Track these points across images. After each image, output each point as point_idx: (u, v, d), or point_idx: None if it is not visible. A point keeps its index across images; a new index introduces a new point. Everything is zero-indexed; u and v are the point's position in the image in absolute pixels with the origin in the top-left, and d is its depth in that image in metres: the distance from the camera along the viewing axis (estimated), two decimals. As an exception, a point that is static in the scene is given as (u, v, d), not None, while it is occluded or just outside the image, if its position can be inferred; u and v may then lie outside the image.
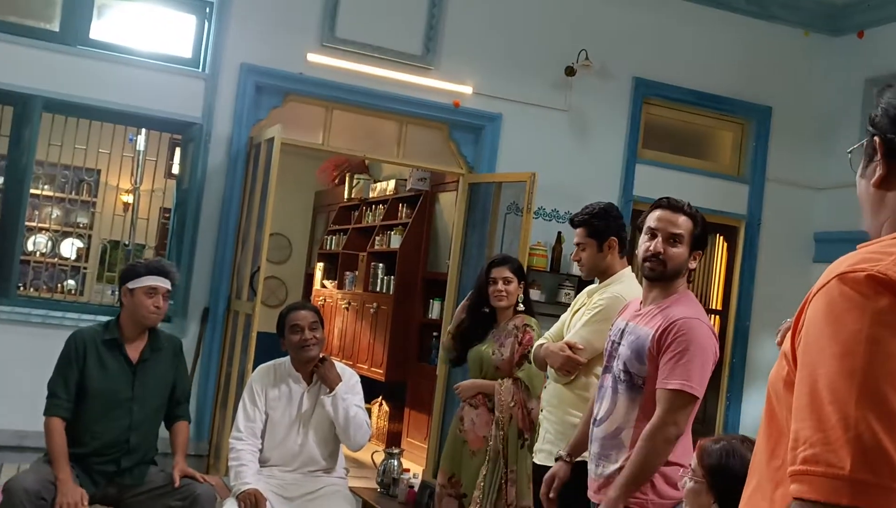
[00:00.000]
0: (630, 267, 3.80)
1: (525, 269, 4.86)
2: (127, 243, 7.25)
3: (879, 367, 1.18)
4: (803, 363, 1.26)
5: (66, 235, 8.51)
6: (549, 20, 6.77)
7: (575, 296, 4.23)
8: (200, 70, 6.06)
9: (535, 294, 5.99)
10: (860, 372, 1.19)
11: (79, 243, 8.79)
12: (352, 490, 4.47)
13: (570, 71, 6.71)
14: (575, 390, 3.61)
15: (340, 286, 9.60)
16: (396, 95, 6.38)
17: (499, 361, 4.27)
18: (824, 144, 7.47)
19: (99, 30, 5.93)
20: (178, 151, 7.05)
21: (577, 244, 3.76)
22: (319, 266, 10.38)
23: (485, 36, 6.62)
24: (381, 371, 8.24)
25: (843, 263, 1.28)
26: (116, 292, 4.08)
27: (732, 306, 7.37)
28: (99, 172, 7.91)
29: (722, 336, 7.39)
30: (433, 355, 7.63)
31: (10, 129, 5.78)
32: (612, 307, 3.48)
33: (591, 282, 4.11)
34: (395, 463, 5.17)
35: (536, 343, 3.91)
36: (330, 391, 4.05)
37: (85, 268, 9.00)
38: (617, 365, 3.04)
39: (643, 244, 3.04)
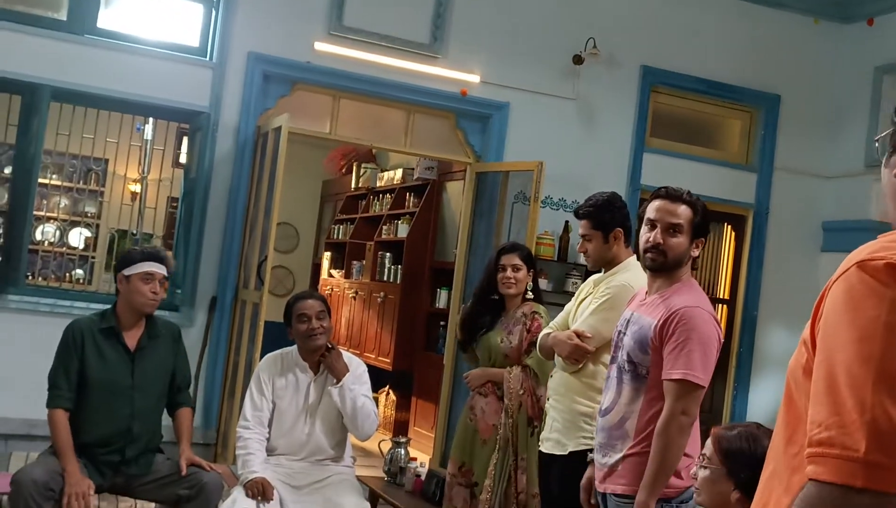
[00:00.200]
0: (635, 256, 3.80)
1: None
2: (135, 232, 7.26)
3: None
4: (821, 348, 1.28)
5: (74, 224, 8.52)
6: (557, 8, 6.75)
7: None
8: (208, 59, 6.06)
9: (542, 283, 5.98)
10: (877, 357, 1.21)
11: (87, 233, 8.80)
12: (359, 478, 4.47)
13: (577, 59, 6.69)
14: (582, 378, 3.61)
15: (348, 276, 9.61)
16: (404, 83, 6.37)
17: (507, 348, 4.27)
18: (833, 133, 7.44)
19: (106, 19, 5.94)
20: (185, 140, 7.06)
21: (583, 236, 3.75)
22: (327, 256, 10.39)
23: (492, 24, 6.60)
24: (389, 360, 8.25)
25: (862, 251, 1.30)
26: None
27: (740, 296, 7.36)
28: (107, 161, 7.92)
29: (729, 326, 7.38)
30: (440, 344, 7.63)
31: (18, 118, 5.79)
32: (620, 296, 3.48)
33: (596, 271, 4.10)
34: (402, 452, 5.18)
35: (542, 332, 3.90)
36: (337, 382, 4.05)
37: (93, 257, 9.02)
38: (621, 355, 3.04)
39: (643, 236, 3.04)
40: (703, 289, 7.18)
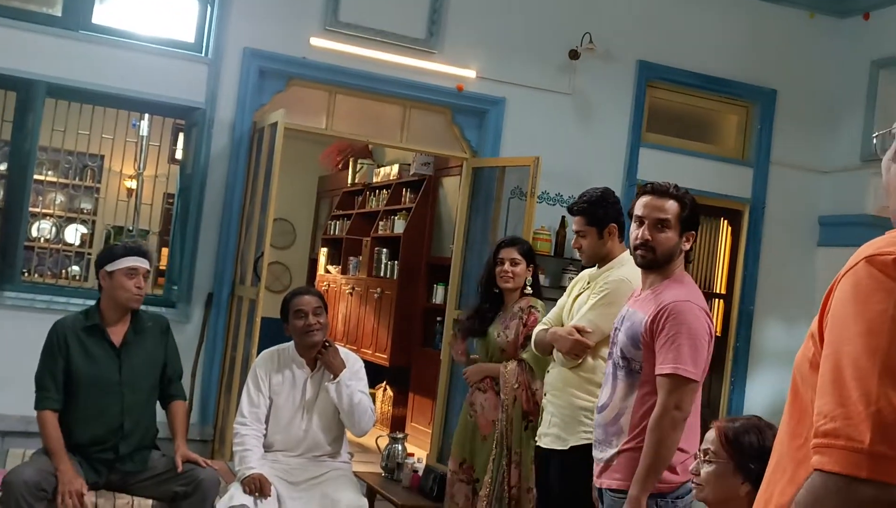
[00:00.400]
0: (629, 251, 3.80)
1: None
2: (131, 228, 7.24)
3: None
4: (829, 341, 1.31)
5: (70, 220, 8.51)
6: (553, 3, 6.74)
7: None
8: (203, 55, 6.05)
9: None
10: (884, 351, 1.24)
11: (83, 229, 8.79)
12: (356, 474, 4.47)
13: (573, 54, 6.69)
14: (581, 373, 3.61)
15: (344, 271, 9.61)
16: (400, 79, 6.36)
17: (504, 343, 4.27)
18: (829, 127, 7.44)
19: (101, 14, 5.92)
20: (181, 136, 7.04)
21: (577, 232, 3.75)
22: (323, 251, 10.39)
23: (488, 20, 6.59)
24: (385, 356, 8.26)
25: (871, 246, 1.33)
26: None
27: (736, 291, 7.36)
28: (102, 157, 7.90)
29: (726, 320, 7.38)
30: (437, 339, 7.64)
31: (13, 114, 5.78)
32: (618, 291, 3.49)
33: (590, 267, 4.10)
34: (400, 448, 5.19)
35: (537, 328, 3.90)
36: (334, 378, 4.05)
37: (89, 254, 8.99)
38: (616, 351, 3.05)
39: (632, 233, 3.05)
40: (700, 284, 7.22)
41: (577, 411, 3.56)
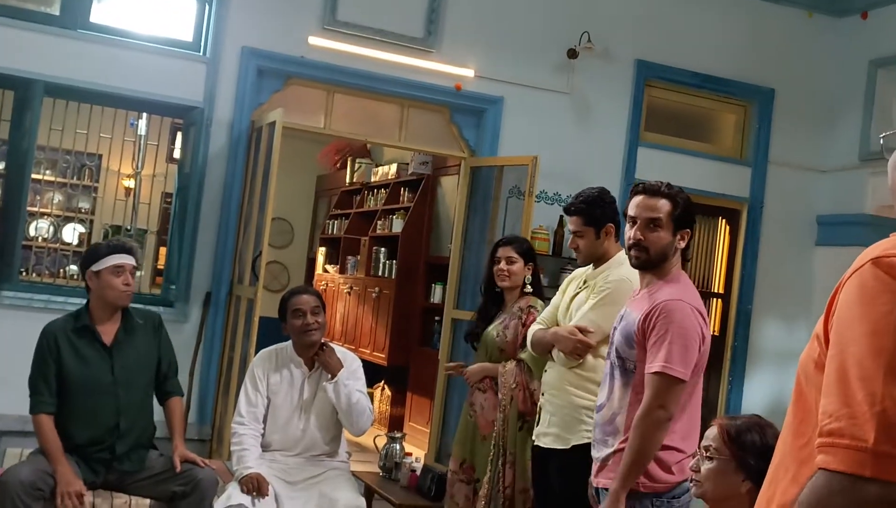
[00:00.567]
0: (624, 250, 3.81)
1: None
2: (129, 227, 7.24)
3: None
4: (834, 341, 1.32)
5: (67, 220, 8.51)
6: (551, 3, 6.74)
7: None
8: (201, 54, 6.04)
9: (537, 278, 5.99)
10: (889, 351, 1.25)
11: (81, 228, 8.78)
12: (354, 474, 4.47)
13: (572, 53, 6.69)
14: (581, 372, 3.62)
15: (342, 271, 9.61)
16: (398, 78, 6.36)
17: (503, 343, 4.27)
18: (827, 127, 7.45)
19: (99, 13, 5.91)
20: (179, 135, 7.04)
21: (575, 233, 3.75)
22: (321, 251, 10.39)
23: (486, 18, 6.59)
24: (384, 356, 8.26)
25: (877, 248, 1.34)
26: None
27: (734, 290, 7.37)
28: (100, 156, 7.90)
29: (724, 319, 7.39)
30: (435, 339, 7.64)
31: (11, 113, 5.77)
32: (619, 290, 3.49)
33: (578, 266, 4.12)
34: (398, 447, 5.18)
35: (533, 328, 3.89)
36: (332, 378, 4.04)
37: (87, 253, 9.00)
38: (613, 351, 3.06)
39: (626, 233, 3.05)
40: (697, 283, 7.21)
41: (578, 410, 3.56)
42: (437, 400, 6.57)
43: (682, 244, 3.02)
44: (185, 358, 5.80)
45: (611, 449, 2.98)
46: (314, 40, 6.17)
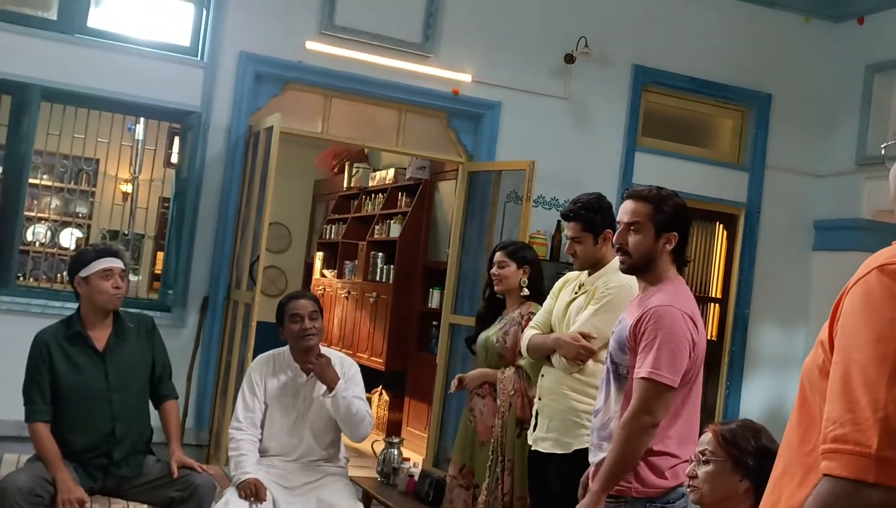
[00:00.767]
0: None
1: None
2: (126, 232, 7.23)
3: None
4: (839, 348, 1.33)
5: (65, 224, 8.50)
6: (549, 7, 6.75)
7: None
8: (199, 59, 6.04)
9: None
10: (892, 358, 1.26)
11: (78, 233, 8.77)
12: (352, 479, 4.46)
13: (569, 58, 6.70)
14: (581, 377, 3.62)
15: (340, 276, 9.60)
16: (395, 83, 6.37)
17: (502, 349, 4.26)
18: (824, 132, 7.46)
19: (97, 18, 5.91)
20: (176, 140, 7.04)
21: (573, 238, 3.74)
22: (319, 255, 10.38)
23: (484, 24, 6.60)
24: (381, 361, 8.25)
25: (881, 255, 1.35)
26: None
27: (732, 294, 7.37)
28: (98, 161, 7.90)
29: (721, 324, 7.39)
30: (433, 344, 7.63)
31: (8, 118, 5.77)
32: (620, 296, 3.48)
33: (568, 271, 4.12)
34: (396, 453, 5.17)
35: (529, 333, 3.87)
36: (330, 391, 4.01)
37: (84, 258, 8.98)
38: (608, 357, 3.06)
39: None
40: (695, 287, 7.21)
41: (578, 414, 3.56)
42: (435, 405, 6.56)
43: (669, 248, 2.98)
44: (182, 363, 5.80)
45: (604, 454, 2.98)
46: (312, 45, 6.17)
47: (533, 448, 3.78)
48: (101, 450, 3.83)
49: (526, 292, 4.30)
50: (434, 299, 7.88)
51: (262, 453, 4.10)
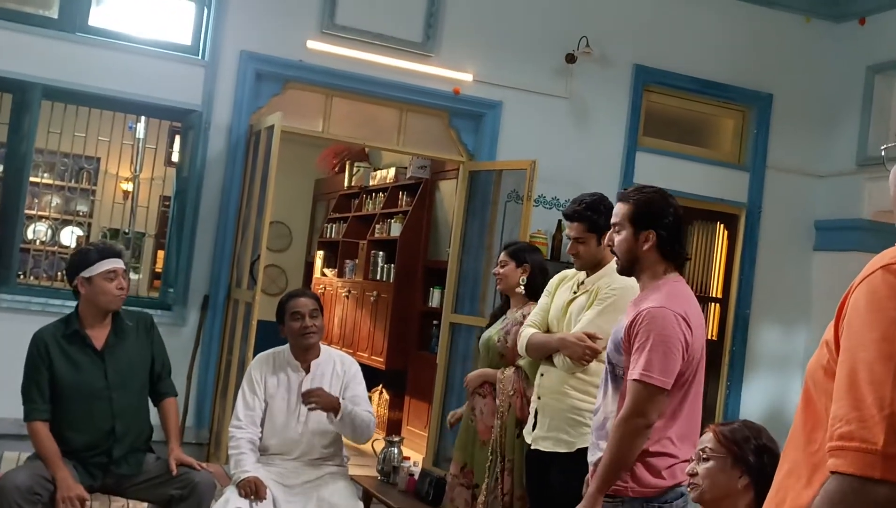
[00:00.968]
0: None
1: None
2: (127, 230, 7.24)
3: None
4: (844, 347, 1.35)
5: (65, 223, 8.51)
6: (550, 7, 6.75)
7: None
8: (200, 57, 6.04)
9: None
10: None
11: (79, 232, 8.78)
12: (352, 477, 4.47)
13: (570, 58, 6.70)
14: (583, 376, 3.62)
15: (340, 275, 9.60)
16: (396, 82, 6.37)
17: (503, 348, 4.26)
18: (825, 132, 7.46)
19: (98, 17, 5.91)
20: (177, 138, 7.04)
21: (577, 239, 3.73)
22: (319, 254, 10.38)
23: (485, 23, 6.59)
24: (382, 360, 8.25)
25: (886, 255, 1.37)
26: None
27: (732, 295, 7.37)
28: (98, 159, 7.90)
29: (722, 324, 7.39)
30: (433, 343, 7.63)
31: (9, 116, 5.77)
32: (624, 297, 3.47)
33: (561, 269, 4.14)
34: (396, 451, 5.18)
35: (527, 331, 3.86)
36: (336, 416, 4.01)
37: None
38: (606, 357, 3.08)
39: None
40: (696, 288, 7.19)
41: (581, 413, 3.56)
42: (436, 404, 6.56)
43: (648, 246, 2.99)
44: (182, 362, 5.80)
45: (601, 453, 2.99)
46: (313, 44, 6.17)
47: (533, 448, 3.78)
48: (101, 448, 3.83)
49: (522, 290, 4.29)
50: (434, 298, 7.88)
51: (263, 451, 4.11)
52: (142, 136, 7.26)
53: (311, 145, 9.78)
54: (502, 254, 4.38)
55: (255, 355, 4.44)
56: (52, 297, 5.83)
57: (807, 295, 7.40)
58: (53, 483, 3.63)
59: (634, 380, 2.84)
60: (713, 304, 7.42)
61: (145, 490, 3.90)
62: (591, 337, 3.57)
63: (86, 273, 3.82)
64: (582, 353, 3.58)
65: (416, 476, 4.94)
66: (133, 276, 6.66)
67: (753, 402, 7.25)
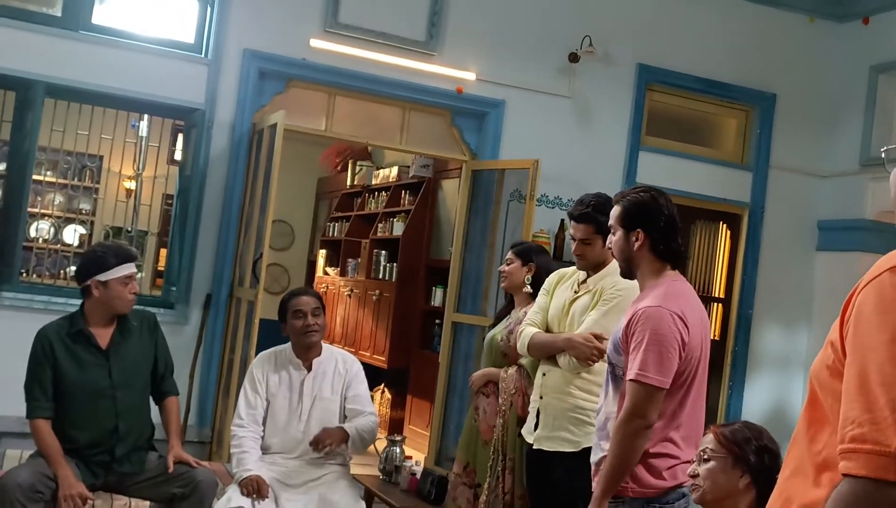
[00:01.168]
0: None
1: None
2: (129, 229, 7.24)
3: None
4: (854, 348, 1.34)
5: (68, 221, 8.50)
6: (553, 6, 6.74)
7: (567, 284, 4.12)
8: (203, 56, 6.04)
9: (537, 282, 5.98)
10: None
11: (81, 230, 8.78)
12: (354, 477, 4.46)
13: (573, 57, 6.69)
14: (587, 376, 3.62)
15: (343, 273, 9.60)
16: (399, 81, 6.36)
17: (505, 347, 4.25)
18: (829, 132, 7.45)
19: (101, 14, 5.92)
20: (180, 137, 7.03)
21: (583, 240, 3.71)
22: (322, 253, 10.38)
23: (488, 22, 6.59)
24: (384, 359, 8.25)
25: (893, 257, 1.36)
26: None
27: (735, 294, 7.36)
28: (101, 158, 7.90)
29: (724, 324, 7.38)
30: (435, 342, 7.63)
31: (12, 114, 5.77)
32: (629, 298, 3.46)
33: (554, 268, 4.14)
34: (398, 451, 5.17)
35: (528, 331, 3.85)
36: (347, 443, 4.05)
37: (87, 254, 8.99)
38: (607, 357, 3.08)
39: None
40: (698, 287, 7.17)
41: (586, 413, 3.56)
42: (438, 403, 6.56)
43: (638, 246, 3.00)
44: (185, 360, 5.80)
45: (603, 454, 2.99)
46: (316, 43, 6.17)
47: (535, 447, 3.77)
48: (104, 447, 3.82)
49: (529, 289, 4.29)
50: (437, 297, 7.88)
51: (265, 450, 4.11)
52: (145, 134, 7.26)
53: (314, 144, 9.77)
54: (509, 252, 4.39)
55: (257, 353, 4.44)
56: (54, 295, 5.84)
57: (809, 295, 7.39)
58: (55, 481, 3.63)
59: (631, 380, 2.84)
60: (715, 304, 7.41)
61: (147, 488, 3.91)
62: (598, 338, 3.56)
63: (102, 276, 3.81)
64: (589, 354, 3.57)
65: (418, 476, 4.94)
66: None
67: (755, 402, 7.25)
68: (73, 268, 8.49)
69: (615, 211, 3.07)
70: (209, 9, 6.08)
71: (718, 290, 7.47)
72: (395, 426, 7.95)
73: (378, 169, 9.61)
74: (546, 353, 3.76)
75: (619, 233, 3.04)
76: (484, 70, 6.56)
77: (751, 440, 2.52)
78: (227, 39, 6.02)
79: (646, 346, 2.82)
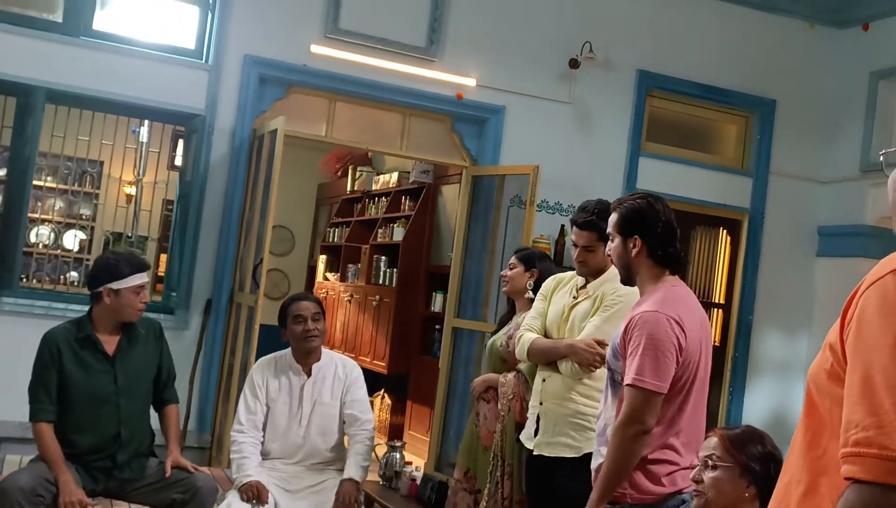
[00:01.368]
0: None
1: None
2: (130, 234, 7.24)
3: None
4: (856, 351, 1.32)
5: (69, 226, 8.51)
6: (553, 12, 6.75)
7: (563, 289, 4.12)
8: (204, 61, 6.05)
9: (537, 287, 5.97)
10: None
11: (82, 235, 8.78)
12: (354, 482, 4.45)
13: (573, 63, 6.70)
14: (589, 381, 3.62)
15: (343, 279, 9.60)
16: (400, 87, 6.37)
17: (505, 353, 4.25)
18: (829, 138, 7.45)
19: (102, 20, 5.92)
20: (181, 142, 7.04)
21: (586, 247, 3.71)
22: (322, 259, 10.38)
23: (488, 28, 6.60)
24: (384, 364, 8.24)
25: (894, 259, 1.35)
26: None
27: (735, 300, 7.36)
28: (102, 163, 7.90)
29: (724, 330, 7.38)
30: (435, 347, 7.63)
31: (13, 120, 5.77)
32: (630, 304, 3.47)
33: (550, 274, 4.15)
34: (398, 456, 5.17)
35: (527, 336, 3.85)
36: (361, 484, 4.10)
37: (88, 260, 8.97)
38: (606, 363, 3.08)
39: None
40: (698, 293, 7.17)
41: (587, 418, 3.56)
42: (438, 409, 6.56)
43: (636, 252, 3.01)
44: (185, 365, 5.80)
45: (601, 459, 2.98)
46: (316, 49, 6.18)
47: (535, 453, 3.76)
48: (106, 453, 3.83)
49: (531, 295, 4.29)
50: (437, 302, 7.87)
51: (265, 455, 4.11)
52: (145, 140, 7.26)
53: (315, 150, 9.78)
54: (513, 257, 4.41)
55: (257, 358, 4.44)
56: (54, 300, 5.84)
57: (810, 301, 7.39)
58: (56, 486, 3.64)
59: (628, 385, 2.84)
60: (716, 309, 7.40)
61: (147, 494, 3.91)
62: (601, 344, 3.56)
63: (115, 285, 3.83)
64: (592, 360, 3.57)
65: (418, 481, 4.94)
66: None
67: (756, 408, 7.24)
68: (74, 273, 8.51)
69: (613, 218, 3.08)
70: (210, 15, 6.09)
71: (718, 296, 7.46)
72: (395, 432, 7.94)
73: (378, 175, 9.61)
74: (547, 359, 3.76)
75: (617, 240, 3.06)
76: (484, 76, 6.57)
77: (757, 447, 2.49)
78: (227, 45, 6.03)
79: (642, 351, 2.82)
